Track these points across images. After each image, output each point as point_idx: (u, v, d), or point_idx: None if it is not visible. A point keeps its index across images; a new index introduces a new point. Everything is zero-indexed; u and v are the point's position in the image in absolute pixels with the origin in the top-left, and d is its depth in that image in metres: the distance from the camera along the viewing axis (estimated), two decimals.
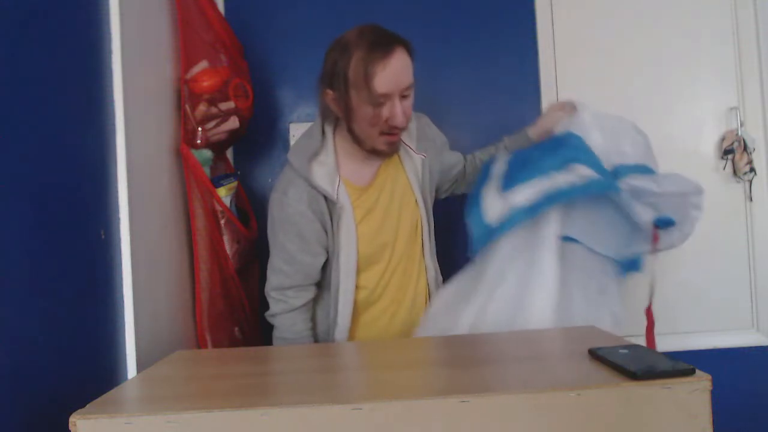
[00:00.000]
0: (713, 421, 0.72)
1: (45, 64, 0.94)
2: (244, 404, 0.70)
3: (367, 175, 1.35)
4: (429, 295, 1.41)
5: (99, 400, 0.75)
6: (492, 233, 1.22)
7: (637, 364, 0.75)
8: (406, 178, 1.39)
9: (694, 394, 0.71)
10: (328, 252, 1.32)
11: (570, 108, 1.41)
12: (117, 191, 1.13)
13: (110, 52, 1.14)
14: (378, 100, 1.20)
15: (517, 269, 1.21)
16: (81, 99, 1.05)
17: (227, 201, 1.56)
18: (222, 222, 1.54)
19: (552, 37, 2.06)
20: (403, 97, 1.24)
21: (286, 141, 2.00)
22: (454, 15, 2.04)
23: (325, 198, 1.28)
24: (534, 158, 1.29)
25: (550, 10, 2.05)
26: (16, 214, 0.83)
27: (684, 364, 0.75)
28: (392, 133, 1.26)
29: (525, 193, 1.21)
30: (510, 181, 1.26)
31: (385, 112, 1.22)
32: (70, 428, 0.68)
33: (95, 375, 1.04)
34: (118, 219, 1.13)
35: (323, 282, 1.36)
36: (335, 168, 1.30)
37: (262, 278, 1.93)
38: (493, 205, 1.24)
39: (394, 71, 1.20)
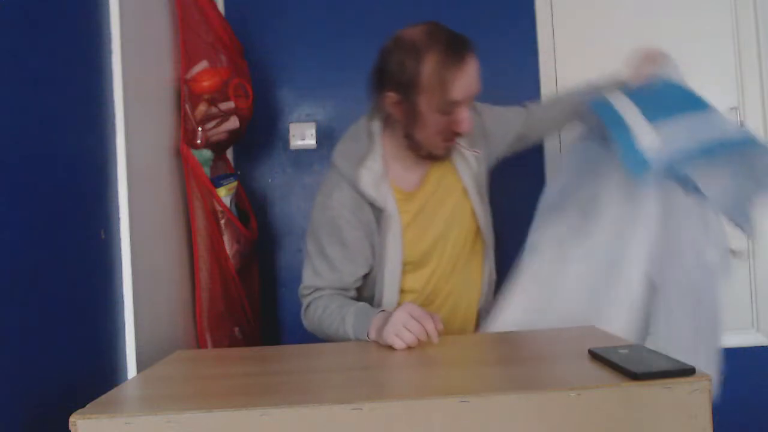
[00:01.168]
0: (713, 421, 0.72)
1: (45, 64, 0.94)
2: (244, 404, 0.70)
3: (415, 179, 1.29)
4: (483, 296, 1.36)
5: (99, 400, 0.75)
6: (648, 163, 1.14)
7: (637, 364, 0.75)
8: (459, 179, 1.32)
9: (694, 394, 0.71)
10: (369, 264, 1.26)
11: (662, 58, 1.36)
12: (117, 191, 1.13)
13: (110, 52, 1.14)
14: (450, 108, 1.15)
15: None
16: (81, 99, 1.05)
17: (227, 201, 1.56)
18: (222, 222, 1.54)
19: (552, 37, 2.06)
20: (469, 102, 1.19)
21: (286, 141, 2.00)
22: (454, 15, 2.02)
23: (371, 205, 1.22)
24: (667, 98, 1.24)
25: (550, 10, 2.06)
26: (16, 214, 0.83)
27: (684, 364, 0.75)
28: (454, 138, 1.22)
29: (684, 130, 1.15)
30: (651, 113, 1.20)
31: (454, 117, 1.17)
32: (70, 428, 0.68)
33: (95, 375, 1.04)
34: (118, 219, 1.13)
35: (365, 287, 1.30)
36: (383, 173, 1.24)
37: (262, 278, 1.95)
38: (646, 133, 1.17)
39: (471, 76, 1.15)
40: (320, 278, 1.24)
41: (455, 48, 1.14)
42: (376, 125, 1.28)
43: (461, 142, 1.29)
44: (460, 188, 1.32)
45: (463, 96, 1.15)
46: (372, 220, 1.23)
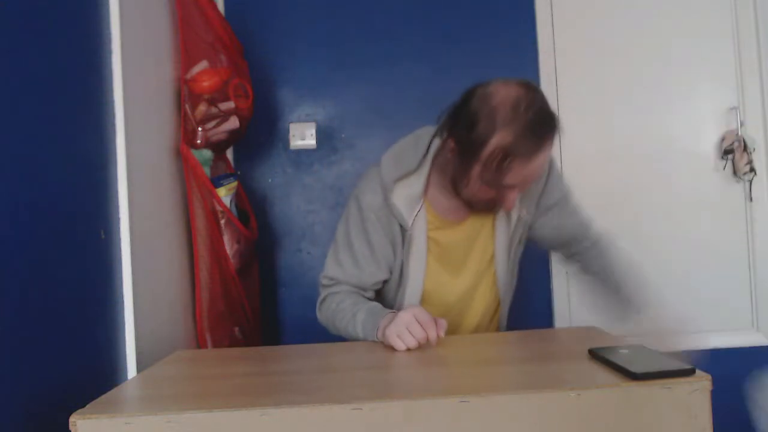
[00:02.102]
0: (713, 421, 0.72)
1: (45, 64, 0.94)
2: (244, 404, 0.70)
3: (454, 213, 1.22)
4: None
5: (99, 400, 0.75)
6: None
7: (637, 364, 0.75)
8: (493, 239, 1.25)
9: (694, 394, 0.71)
10: (390, 271, 1.24)
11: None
12: (117, 191, 1.13)
13: (110, 52, 1.14)
14: (501, 188, 1.08)
15: None
16: (81, 99, 1.05)
17: (227, 201, 1.56)
18: (222, 222, 1.54)
19: (552, 37, 2.06)
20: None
21: (286, 141, 2.00)
22: (454, 15, 2.04)
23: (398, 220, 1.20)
24: None
25: (550, 10, 2.06)
26: (16, 214, 0.83)
27: (684, 364, 0.75)
28: (495, 208, 1.16)
29: None
30: None
31: (500, 195, 1.10)
32: (70, 428, 0.68)
33: (95, 375, 1.04)
34: (118, 219, 1.13)
35: (385, 297, 1.28)
36: (420, 194, 1.19)
37: (263, 278, 1.95)
38: None
39: (534, 170, 1.05)
40: (342, 270, 1.22)
41: (533, 136, 1.02)
42: (435, 145, 1.20)
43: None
44: (491, 252, 1.26)
45: (518, 183, 1.07)
46: (398, 233, 1.21)
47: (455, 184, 1.14)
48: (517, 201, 1.19)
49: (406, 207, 1.19)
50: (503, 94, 1.03)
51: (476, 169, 1.07)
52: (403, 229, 1.20)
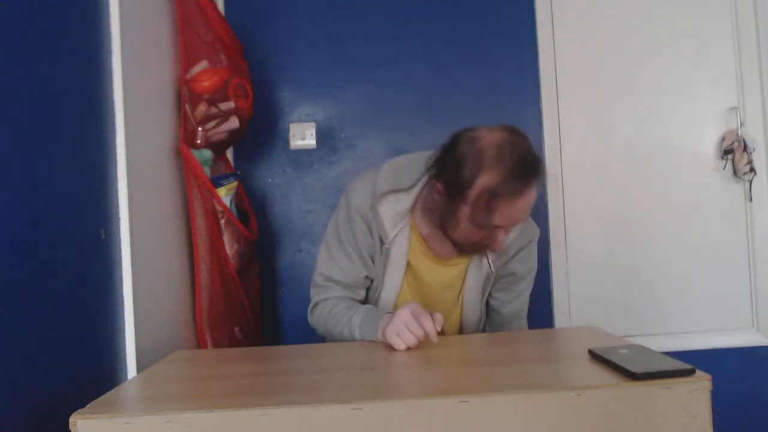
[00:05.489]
0: (713, 421, 0.72)
1: (45, 64, 0.94)
2: (244, 404, 0.70)
3: (442, 250, 1.23)
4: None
5: (99, 400, 0.75)
6: None
7: (637, 364, 0.75)
8: (465, 273, 1.27)
9: (694, 394, 0.71)
10: (371, 270, 1.25)
11: None
12: (117, 191, 1.13)
13: (110, 52, 1.14)
14: (489, 228, 1.09)
15: None
16: (81, 99, 1.05)
17: (227, 201, 1.56)
18: (222, 222, 1.54)
19: (552, 37, 2.06)
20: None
21: (286, 141, 2.00)
22: (454, 15, 2.04)
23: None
24: None
25: (550, 10, 2.06)
26: (16, 214, 0.83)
27: (684, 364, 0.75)
28: (483, 249, 1.17)
29: None
30: None
31: (489, 236, 1.11)
32: (70, 428, 0.68)
33: (95, 375, 1.04)
34: (118, 219, 1.13)
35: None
36: (407, 211, 1.20)
37: (262, 278, 1.95)
38: None
39: (520, 210, 1.07)
40: (336, 267, 1.23)
41: (518, 176, 1.04)
42: (423, 182, 1.21)
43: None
44: (460, 295, 1.28)
45: (505, 223, 1.09)
46: (378, 242, 1.22)
47: (444, 226, 1.15)
48: (491, 255, 1.23)
49: (390, 221, 1.20)
50: (489, 138, 1.07)
51: (464, 211, 1.09)
52: (382, 242, 1.21)
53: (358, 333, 1.12)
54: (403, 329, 0.99)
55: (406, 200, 1.20)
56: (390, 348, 1.00)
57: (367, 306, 1.18)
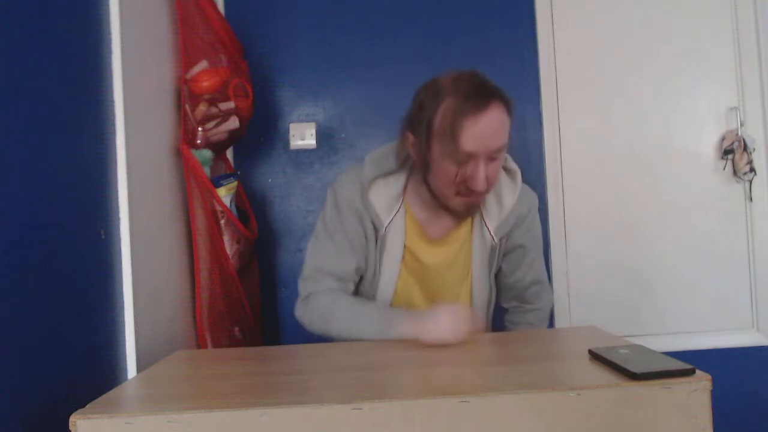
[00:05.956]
0: (713, 421, 0.72)
1: (45, 64, 0.94)
2: (244, 404, 0.70)
3: (438, 229, 1.24)
4: None
5: (99, 400, 0.75)
6: None
7: (637, 364, 0.75)
8: (470, 249, 1.26)
9: (694, 394, 0.71)
10: (364, 262, 1.24)
11: None
12: (117, 191, 1.13)
13: (110, 52, 1.14)
14: (461, 158, 1.07)
15: None
16: (81, 99, 1.05)
17: (227, 201, 1.56)
18: (222, 222, 1.54)
19: (552, 37, 2.06)
20: (491, 159, 1.09)
21: (286, 141, 2.00)
22: (453, 15, 2.04)
23: (372, 219, 1.20)
24: None
25: (550, 10, 2.06)
26: (16, 214, 0.83)
27: (684, 364, 0.75)
28: (470, 195, 1.14)
29: None
30: None
31: (467, 171, 1.08)
32: (70, 428, 0.68)
33: (95, 375, 1.04)
34: (118, 219, 1.13)
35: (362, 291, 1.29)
36: (399, 193, 1.21)
37: (262, 278, 1.95)
38: None
39: (486, 129, 1.05)
40: (328, 261, 1.22)
41: (475, 95, 1.05)
42: (404, 169, 1.23)
43: (487, 221, 1.24)
44: (468, 258, 1.27)
45: (474, 147, 1.06)
46: (371, 231, 1.22)
47: (425, 178, 1.16)
48: (491, 225, 1.23)
49: (384, 207, 1.20)
50: (443, 76, 1.11)
51: (435, 146, 1.09)
52: (376, 230, 1.21)
53: (375, 328, 1.09)
54: (448, 329, 1.00)
55: (395, 183, 1.21)
56: (389, 348, 1.00)
57: (378, 302, 1.18)
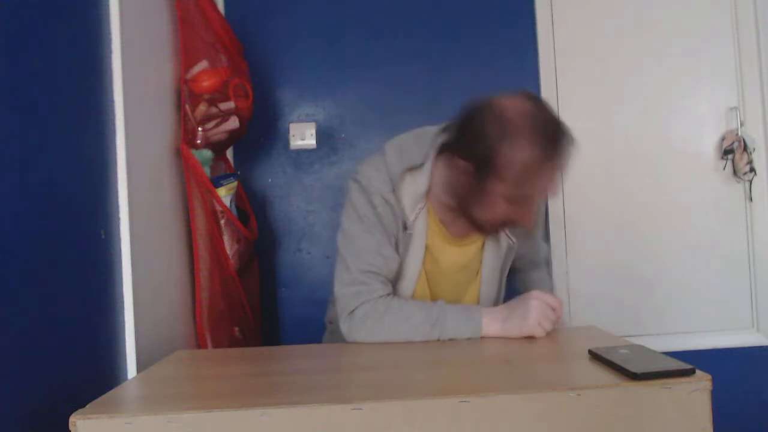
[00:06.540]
0: (713, 421, 0.72)
1: (45, 64, 0.94)
2: (244, 404, 0.70)
3: (459, 229, 1.19)
4: None
5: (99, 400, 0.75)
6: None
7: (637, 364, 0.75)
8: (481, 250, 1.23)
9: (694, 394, 0.71)
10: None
11: None
12: (117, 191, 1.13)
13: (110, 52, 1.14)
14: (523, 201, 1.03)
15: None
16: (81, 99, 1.05)
17: (227, 201, 1.56)
18: (222, 222, 1.54)
19: (552, 37, 2.06)
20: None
21: (286, 141, 2.00)
22: (454, 15, 2.04)
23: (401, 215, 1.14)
24: None
25: (550, 10, 2.06)
26: (16, 214, 0.83)
27: (684, 364, 0.75)
28: (510, 226, 1.12)
29: None
30: None
31: (519, 209, 1.05)
32: (70, 428, 0.68)
33: (95, 375, 1.04)
34: (118, 219, 1.13)
35: None
36: (424, 192, 1.14)
37: (262, 278, 1.95)
38: None
39: (554, 179, 1.03)
40: (372, 258, 1.11)
41: (549, 141, 0.99)
42: (438, 141, 1.14)
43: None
44: (477, 273, 1.25)
45: (540, 194, 1.05)
46: (400, 227, 1.15)
47: (468, 206, 1.09)
48: (507, 230, 1.21)
49: (410, 204, 1.14)
50: (509, 105, 1.01)
51: (497, 187, 1.02)
52: (405, 228, 1.15)
53: (452, 328, 1.04)
54: (543, 318, 1.02)
55: (422, 179, 1.14)
56: (389, 348, 1.00)
57: (440, 302, 1.09)
